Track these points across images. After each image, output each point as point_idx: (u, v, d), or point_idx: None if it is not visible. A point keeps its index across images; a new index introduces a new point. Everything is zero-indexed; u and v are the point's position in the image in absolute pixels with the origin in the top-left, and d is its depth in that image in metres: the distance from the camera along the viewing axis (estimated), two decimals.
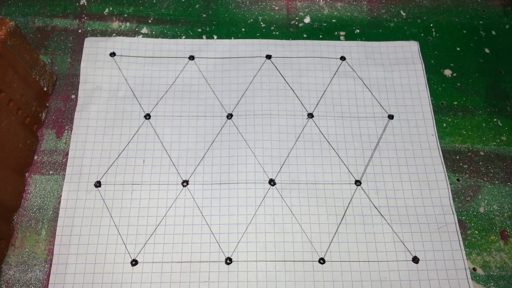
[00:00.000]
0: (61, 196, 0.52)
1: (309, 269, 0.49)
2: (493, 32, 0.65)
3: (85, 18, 0.64)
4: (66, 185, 0.53)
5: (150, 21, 0.64)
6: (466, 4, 0.68)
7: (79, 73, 0.59)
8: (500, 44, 0.64)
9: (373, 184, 0.54)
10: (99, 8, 0.64)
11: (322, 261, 0.50)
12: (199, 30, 0.64)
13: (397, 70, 0.61)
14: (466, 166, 0.56)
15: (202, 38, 0.63)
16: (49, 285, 0.48)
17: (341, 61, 0.61)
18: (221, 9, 0.66)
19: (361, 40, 0.64)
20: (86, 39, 0.61)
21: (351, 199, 0.53)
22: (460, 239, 0.51)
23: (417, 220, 0.52)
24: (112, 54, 0.60)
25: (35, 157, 0.55)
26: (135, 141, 0.55)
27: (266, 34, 0.64)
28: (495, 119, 0.59)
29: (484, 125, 0.59)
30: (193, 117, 0.57)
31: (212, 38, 0.63)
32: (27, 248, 0.50)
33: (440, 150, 0.56)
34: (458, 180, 0.55)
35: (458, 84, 0.61)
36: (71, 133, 0.56)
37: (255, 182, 0.53)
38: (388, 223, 0.52)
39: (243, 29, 0.64)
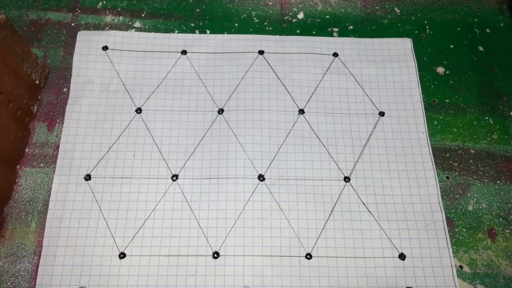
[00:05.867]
0: (51, 188, 0.53)
1: (296, 264, 0.50)
2: (488, 30, 0.65)
3: (79, 11, 0.64)
4: (57, 178, 0.53)
5: (143, 15, 0.64)
6: (461, 2, 0.67)
7: (72, 66, 0.59)
8: (494, 42, 0.64)
9: (362, 181, 0.54)
10: (92, 2, 0.65)
11: (309, 256, 0.50)
12: (192, 24, 0.64)
13: (389, 67, 0.61)
14: (456, 164, 0.56)
15: (195, 33, 0.63)
16: (37, 276, 0.48)
17: (333, 57, 0.61)
18: (214, 3, 0.65)
19: (355, 36, 0.64)
20: (79, 33, 0.61)
21: (340, 196, 0.53)
22: (448, 236, 0.51)
23: (405, 217, 0.52)
24: (105, 48, 0.60)
25: (27, 150, 0.55)
26: (125, 135, 0.56)
27: (259, 30, 0.64)
28: (486, 117, 0.59)
29: (475, 123, 0.59)
30: (184, 112, 0.57)
31: (205, 33, 0.63)
32: (16, 240, 0.51)
33: (430, 147, 0.56)
34: (447, 178, 0.55)
35: (451, 82, 0.61)
36: (62, 126, 0.56)
37: (245, 177, 0.53)
38: (376, 220, 0.52)
39: (236, 24, 0.64)
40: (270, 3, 0.66)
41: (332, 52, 0.62)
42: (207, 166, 0.54)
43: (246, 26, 0.64)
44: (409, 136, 0.57)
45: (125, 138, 0.55)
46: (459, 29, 0.65)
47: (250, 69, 0.60)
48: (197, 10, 0.65)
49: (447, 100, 0.60)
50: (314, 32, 0.64)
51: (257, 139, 0.55)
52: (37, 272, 0.49)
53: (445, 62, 0.63)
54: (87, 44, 0.60)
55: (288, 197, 0.53)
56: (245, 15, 0.65)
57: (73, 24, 0.63)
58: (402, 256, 0.50)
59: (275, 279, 0.49)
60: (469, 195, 0.54)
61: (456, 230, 0.52)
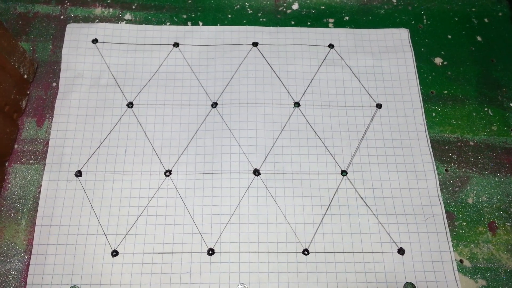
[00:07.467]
0: (41, 185, 0.51)
1: (293, 260, 0.48)
2: (486, 20, 0.64)
3: (68, 4, 0.62)
4: (46, 175, 0.52)
5: (134, 7, 0.62)
6: None
7: (61, 60, 0.58)
8: (492, 32, 0.63)
9: (360, 174, 0.53)
10: None
11: (306, 252, 0.49)
12: (184, 16, 0.62)
13: (386, 58, 0.60)
14: (455, 156, 0.55)
15: (187, 25, 0.61)
16: (28, 275, 0.47)
17: (329, 48, 0.60)
18: None
19: (351, 27, 0.62)
20: (68, 26, 0.60)
21: (337, 190, 0.52)
22: (447, 230, 0.50)
23: (404, 211, 0.51)
24: (95, 41, 0.59)
25: (16, 146, 0.53)
26: (117, 130, 0.54)
27: (253, 21, 0.62)
28: (485, 109, 0.58)
29: (474, 114, 0.58)
30: (177, 106, 0.56)
31: (198, 24, 0.62)
32: (6, 238, 0.49)
33: (428, 140, 0.55)
34: (446, 170, 0.54)
35: (449, 73, 0.60)
36: (52, 122, 0.54)
37: (239, 172, 0.52)
38: (374, 214, 0.51)
39: (229, 16, 0.63)
40: None
41: (328, 44, 0.60)
42: (201, 161, 0.53)
43: (240, 18, 0.62)
44: (407, 128, 0.56)
45: (116, 133, 0.54)
46: (456, 19, 0.64)
47: (244, 61, 0.59)
48: (189, 1, 0.63)
49: (445, 91, 0.59)
50: (309, 23, 0.62)
51: (252, 133, 0.54)
52: (27, 271, 0.48)
53: (443, 52, 0.61)
54: (77, 37, 0.59)
55: (284, 192, 0.52)
56: (238, 6, 0.63)
57: (62, 17, 0.61)
58: (401, 251, 0.49)
59: (271, 275, 0.48)
60: (468, 188, 0.53)
61: (456, 223, 0.52)
